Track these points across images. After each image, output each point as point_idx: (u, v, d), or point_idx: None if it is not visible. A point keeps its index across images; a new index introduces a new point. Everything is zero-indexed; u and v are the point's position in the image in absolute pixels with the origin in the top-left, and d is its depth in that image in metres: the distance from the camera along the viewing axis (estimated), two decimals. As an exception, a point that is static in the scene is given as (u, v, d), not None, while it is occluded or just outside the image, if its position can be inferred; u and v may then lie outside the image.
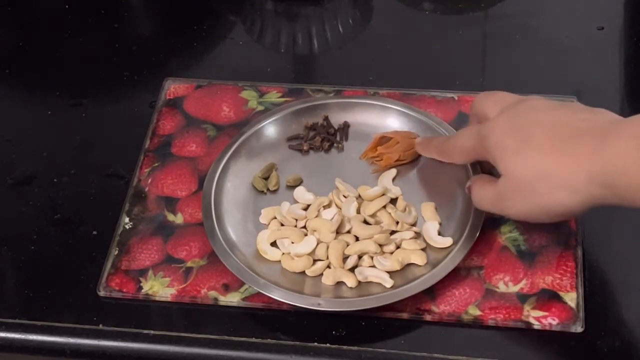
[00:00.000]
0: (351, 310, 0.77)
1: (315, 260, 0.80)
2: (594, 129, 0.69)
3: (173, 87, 0.95)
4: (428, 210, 0.83)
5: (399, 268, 0.79)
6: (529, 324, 0.76)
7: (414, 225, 0.82)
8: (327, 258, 0.80)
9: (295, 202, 0.84)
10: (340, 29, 1.03)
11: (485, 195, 0.77)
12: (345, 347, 0.76)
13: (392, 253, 0.80)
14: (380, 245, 0.80)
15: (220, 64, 1.00)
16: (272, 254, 0.81)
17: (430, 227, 0.81)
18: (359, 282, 0.78)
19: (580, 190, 0.69)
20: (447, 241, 0.80)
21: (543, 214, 0.74)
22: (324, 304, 0.76)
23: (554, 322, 0.76)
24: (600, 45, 0.97)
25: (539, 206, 0.73)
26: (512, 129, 0.73)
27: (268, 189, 0.85)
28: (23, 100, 0.99)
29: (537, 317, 0.76)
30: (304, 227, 0.82)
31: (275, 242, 0.81)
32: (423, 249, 0.80)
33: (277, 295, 0.77)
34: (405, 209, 0.83)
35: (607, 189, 0.68)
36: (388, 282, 0.78)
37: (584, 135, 0.69)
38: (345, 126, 0.89)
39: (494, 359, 0.75)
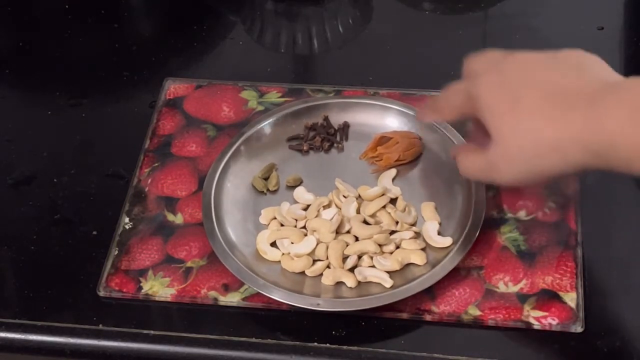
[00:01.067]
0: (351, 310, 0.77)
1: (315, 261, 0.80)
2: (585, 93, 0.68)
3: (173, 87, 0.95)
4: (428, 210, 0.83)
5: (398, 268, 0.79)
6: (529, 324, 0.76)
7: (413, 225, 0.82)
8: (327, 258, 0.80)
9: (295, 202, 0.84)
10: (340, 29, 1.03)
11: (474, 163, 0.76)
12: (345, 347, 0.76)
13: (391, 253, 0.80)
14: (380, 245, 0.80)
15: (220, 64, 1.00)
16: (272, 254, 0.81)
17: (430, 227, 0.81)
18: (359, 282, 0.78)
19: (571, 155, 0.69)
20: (446, 241, 0.80)
21: (534, 179, 0.73)
22: (323, 304, 0.76)
23: (554, 322, 0.76)
24: (600, 45, 0.97)
25: (530, 171, 0.71)
26: (501, 89, 0.71)
27: (268, 189, 0.85)
28: (23, 100, 0.99)
29: (537, 317, 0.76)
30: (304, 227, 0.82)
31: (275, 242, 0.81)
32: (423, 249, 0.80)
33: (277, 295, 0.77)
34: (405, 209, 0.83)
35: (597, 157, 0.67)
36: (388, 282, 0.78)
37: (575, 99, 0.68)
38: (345, 126, 0.89)
39: (494, 359, 0.75)
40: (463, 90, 0.75)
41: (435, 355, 0.75)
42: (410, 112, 0.88)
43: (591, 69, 0.71)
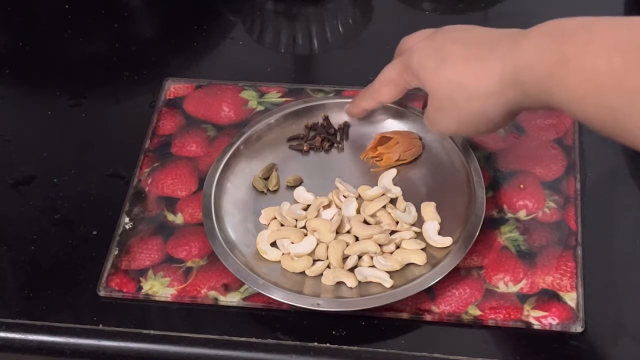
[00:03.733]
0: (351, 310, 0.77)
1: (315, 261, 0.80)
2: (508, 37, 0.72)
3: (173, 87, 0.95)
4: (428, 210, 0.83)
5: (398, 268, 0.79)
6: (529, 324, 0.76)
7: (413, 225, 0.82)
8: (327, 258, 0.80)
9: (295, 202, 0.84)
10: (340, 29, 1.03)
11: (424, 117, 0.80)
12: (345, 347, 0.76)
13: (391, 253, 0.80)
14: (380, 245, 0.80)
15: (220, 64, 1.00)
16: (272, 254, 0.81)
17: (430, 227, 0.81)
18: (359, 282, 0.78)
19: (494, 94, 0.72)
20: (446, 241, 0.80)
21: (466, 126, 0.77)
22: (323, 304, 0.76)
23: (554, 322, 0.76)
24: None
25: (460, 118, 0.76)
26: (431, 50, 0.76)
27: (268, 189, 0.85)
28: (23, 100, 0.99)
29: (537, 317, 0.76)
30: (304, 227, 0.82)
31: (275, 242, 0.81)
32: (423, 249, 0.80)
33: (277, 295, 0.77)
34: (405, 209, 0.83)
35: (517, 86, 0.70)
36: (388, 282, 0.78)
37: (497, 43, 0.72)
38: (345, 126, 0.89)
39: (494, 359, 0.75)
40: (398, 63, 0.80)
41: (435, 355, 0.75)
42: (411, 112, 0.88)
43: (515, 29, 0.74)
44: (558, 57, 0.67)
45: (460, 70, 0.74)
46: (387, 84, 0.82)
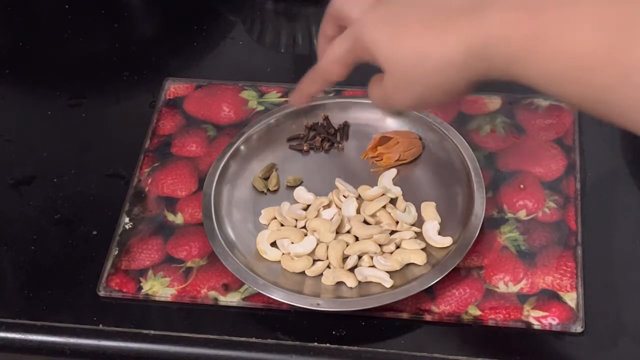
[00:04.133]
0: (351, 310, 0.77)
1: (315, 261, 0.80)
2: (468, 6, 0.67)
3: (173, 87, 0.95)
4: (428, 210, 0.83)
5: (398, 268, 0.79)
6: (529, 324, 0.76)
7: (413, 225, 0.82)
8: (327, 258, 0.80)
9: (295, 202, 0.84)
10: (340, 29, 1.03)
11: (375, 94, 0.75)
12: (345, 347, 0.76)
13: (391, 253, 0.80)
14: (380, 245, 0.80)
15: (220, 64, 1.00)
16: (272, 254, 0.81)
17: (430, 227, 0.81)
18: (359, 282, 0.78)
19: (460, 65, 0.67)
20: (446, 241, 0.80)
21: (429, 98, 0.72)
22: (323, 304, 0.76)
23: (554, 322, 0.76)
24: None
25: (424, 91, 0.71)
26: (385, 19, 0.71)
27: (268, 189, 0.85)
28: (23, 100, 0.99)
29: (537, 317, 0.76)
30: (304, 227, 0.82)
31: (275, 242, 0.81)
32: (423, 249, 0.80)
33: (277, 295, 0.77)
34: (405, 209, 0.83)
35: (485, 61, 0.66)
36: (388, 282, 0.78)
37: (459, 12, 0.67)
38: (345, 126, 0.89)
39: (494, 359, 0.75)
40: (345, 38, 0.74)
41: (435, 355, 0.75)
42: (410, 112, 0.88)
43: None
44: (533, 31, 0.63)
45: (422, 41, 0.68)
46: (336, 62, 0.75)
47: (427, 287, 0.77)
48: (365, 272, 0.79)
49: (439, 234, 0.81)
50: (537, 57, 0.63)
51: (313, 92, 0.81)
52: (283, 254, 0.81)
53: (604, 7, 0.61)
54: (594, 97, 0.62)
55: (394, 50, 0.70)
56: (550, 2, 0.64)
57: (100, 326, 0.78)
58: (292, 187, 0.85)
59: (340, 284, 0.79)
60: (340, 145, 0.88)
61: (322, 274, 0.79)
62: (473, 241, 0.79)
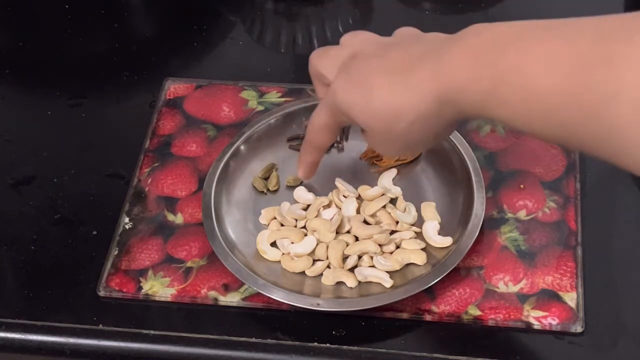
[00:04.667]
0: (351, 310, 0.77)
1: (315, 261, 0.80)
2: (429, 53, 0.68)
3: (173, 87, 0.95)
4: (428, 209, 0.83)
5: (398, 268, 0.79)
6: (529, 324, 0.76)
7: (413, 225, 0.82)
8: (327, 258, 0.80)
9: (295, 202, 0.84)
10: (340, 29, 1.03)
11: (366, 141, 0.77)
12: (345, 347, 0.76)
13: (391, 253, 0.80)
14: (380, 245, 0.80)
15: (220, 64, 1.00)
16: (272, 254, 0.81)
17: (430, 227, 0.81)
18: (359, 282, 0.78)
19: (433, 114, 0.68)
20: (446, 241, 0.80)
21: (413, 148, 0.75)
22: (323, 304, 0.76)
23: (554, 322, 0.76)
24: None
25: (405, 143, 0.72)
26: (352, 85, 0.72)
27: (268, 189, 0.85)
28: (23, 100, 0.99)
29: (537, 317, 0.76)
30: (304, 227, 0.82)
31: (275, 242, 0.81)
32: (423, 249, 0.80)
33: (277, 295, 0.77)
34: (405, 209, 0.83)
35: (454, 106, 0.67)
36: (388, 282, 0.78)
37: (420, 61, 0.68)
38: (346, 126, 0.89)
39: (494, 359, 0.75)
40: (324, 106, 0.76)
41: (435, 355, 0.75)
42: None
43: (431, 35, 0.72)
44: (495, 74, 0.63)
45: (389, 101, 0.69)
46: (322, 130, 0.78)
47: (427, 287, 0.77)
48: (365, 272, 0.79)
49: (439, 234, 0.81)
50: (502, 99, 0.63)
51: (312, 161, 0.82)
52: (283, 254, 0.81)
53: (563, 47, 0.61)
54: (563, 134, 0.62)
55: (368, 112, 0.71)
56: (508, 43, 0.64)
57: (100, 326, 0.78)
58: (292, 187, 0.85)
59: (340, 284, 0.79)
60: (340, 145, 0.88)
61: (322, 274, 0.79)
62: (473, 241, 0.79)
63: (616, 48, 0.58)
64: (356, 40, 0.76)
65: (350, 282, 0.78)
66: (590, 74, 0.58)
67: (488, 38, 0.65)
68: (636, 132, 0.56)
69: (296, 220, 0.82)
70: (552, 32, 0.63)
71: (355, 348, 0.76)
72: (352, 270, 0.79)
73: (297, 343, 0.76)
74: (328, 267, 0.80)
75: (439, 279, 0.77)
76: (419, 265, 0.79)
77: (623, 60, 0.57)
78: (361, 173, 0.86)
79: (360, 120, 0.72)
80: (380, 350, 0.76)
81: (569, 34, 0.62)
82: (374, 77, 0.70)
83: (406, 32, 0.75)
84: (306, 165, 0.82)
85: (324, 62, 0.76)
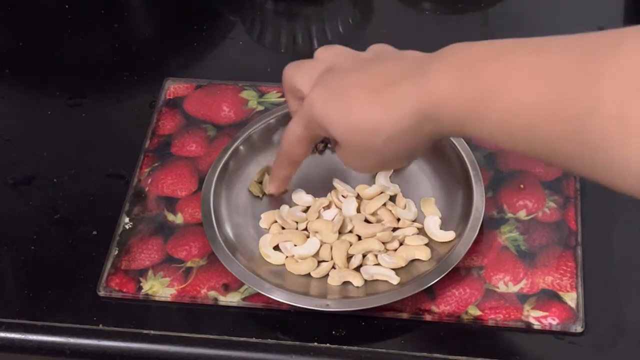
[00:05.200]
0: (360, 309, 0.76)
1: (319, 262, 0.80)
2: (409, 69, 0.69)
3: (173, 87, 0.95)
4: (427, 205, 0.83)
5: (404, 264, 0.79)
6: (529, 324, 0.76)
7: (414, 221, 0.82)
8: (332, 259, 0.80)
9: (294, 204, 0.84)
10: (340, 29, 1.03)
11: (340, 157, 0.76)
12: (345, 347, 0.76)
13: (395, 250, 0.80)
14: (384, 243, 0.80)
15: (220, 64, 1.00)
16: (275, 257, 0.80)
17: (432, 222, 0.81)
18: (365, 281, 0.78)
19: (411, 131, 0.68)
20: (449, 235, 0.80)
21: (389, 164, 0.76)
22: (332, 305, 0.76)
23: (554, 322, 0.76)
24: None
25: (380, 159, 0.73)
26: (329, 98, 0.71)
27: (264, 193, 0.85)
28: (23, 100, 0.99)
29: (537, 317, 0.76)
30: (305, 229, 0.82)
31: (277, 245, 0.81)
32: (426, 244, 0.80)
33: (285, 298, 0.76)
34: (405, 206, 0.83)
35: (434, 121, 0.67)
36: (394, 279, 0.78)
37: (400, 77, 0.68)
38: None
39: (494, 359, 0.75)
40: (299, 118, 0.75)
41: (435, 355, 0.75)
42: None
43: (409, 54, 0.72)
44: (476, 91, 0.63)
45: (370, 113, 0.69)
46: (297, 143, 0.76)
47: (436, 281, 0.76)
48: (370, 271, 0.79)
49: (440, 229, 0.81)
50: (484, 115, 0.64)
51: (285, 175, 0.81)
52: (287, 257, 0.80)
53: (545, 63, 0.61)
54: (546, 151, 0.62)
55: (345, 126, 0.71)
56: (489, 61, 0.64)
57: (100, 326, 0.78)
58: (259, 183, 0.85)
59: (346, 283, 0.79)
60: (328, 146, 0.88)
61: (327, 275, 0.79)
62: (477, 233, 0.78)
63: (597, 64, 0.58)
64: (331, 54, 0.76)
65: (357, 281, 0.78)
66: (571, 90, 0.59)
67: (469, 55, 0.65)
68: (618, 146, 0.57)
69: (297, 222, 0.82)
70: (533, 49, 0.63)
71: (355, 348, 0.76)
72: (357, 269, 0.79)
73: (297, 343, 0.76)
74: (333, 267, 0.80)
75: (448, 270, 0.77)
76: (424, 261, 0.79)
77: (603, 76, 0.57)
78: (357, 172, 0.86)
79: (337, 134, 0.72)
80: (380, 350, 0.76)
81: (550, 51, 0.62)
82: (352, 91, 0.70)
83: (381, 49, 0.75)
84: (279, 179, 0.82)
85: (298, 75, 0.76)
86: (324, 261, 0.80)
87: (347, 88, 0.71)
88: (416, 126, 0.68)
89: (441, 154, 0.85)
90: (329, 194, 0.84)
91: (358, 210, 0.82)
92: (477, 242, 0.79)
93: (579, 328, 0.76)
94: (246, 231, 0.82)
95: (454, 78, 0.65)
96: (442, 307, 0.77)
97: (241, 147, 0.87)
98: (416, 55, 0.71)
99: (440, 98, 0.66)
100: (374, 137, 0.70)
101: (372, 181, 0.85)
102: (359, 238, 0.81)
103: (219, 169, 0.85)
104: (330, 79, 0.72)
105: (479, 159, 0.84)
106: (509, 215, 0.83)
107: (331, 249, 0.80)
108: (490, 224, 0.82)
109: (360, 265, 0.79)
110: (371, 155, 0.72)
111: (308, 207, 0.83)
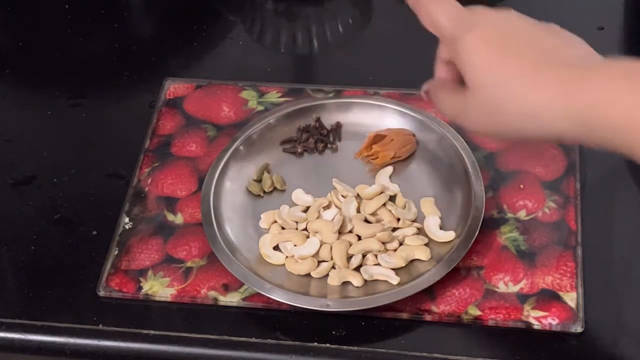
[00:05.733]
0: (360, 309, 0.76)
1: (319, 262, 0.80)
2: (577, 61, 0.66)
3: (173, 87, 0.95)
4: (427, 205, 0.83)
5: (403, 264, 0.79)
6: (529, 324, 0.76)
7: (414, 221, 0.82)
8: (332, 259, 0.80)
9: (294, 204, 0.84)
10: (340, 29, 1.03)
11: (449, 105, 0.72)
12: (345, 347, 0.76)
13: (395, 250, 0.80)
14: (384, 243, 0.80)
15: (220, 64, 1.00)
16: (275, 257, 0.80)
17: (431, 222, 0.81)
18: (365, 281, 0.78)
19: (552, 122, 0.65)
20: (449, 235, 0.80)
21: (506, 134, 0.70)
22: (332, 305, 0.76)
23: (554, 322, 0.76)
24: (600, 45, 0.97)
25: (505, 130, 0.69)
26: (494, 43, 0.67)
27: (264, 191, 0.85)
28: (23, 100, 0.99)
29: (537, 317, 0.76)
30: (305, 229, 0.82)
31: (277, 245, 0.81)
32: (426, 244, 0.80)
33: (286, 298, 0.77)
34: (405, 206, 0.83)
35: (583, 126, 0.64)
36: (394, 279, 0.78)
37: (568, 66, 0.66)
38: (338, 126, 0.89)
39: (493, 359, 0.75)
40: (448, 36, 0.71)
41: (435, 355, 0.75)
42: (406, 111, 0.88)
43: (580, 43, 0.69)
44: (637, 102, 0.61)
45: (520, 84, 0.65)
46: (433, 29, 0.72)
47: (436, 280, 0.77)
48: (370, 271, 0.79)
49: (440, 229, 0.81)
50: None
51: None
52: (287, 257, 0.80)
53: None
54: None
55: (488, 77, 0.67)
56: None
57: (100, 326, 0.78)
58: (258, 181, 0.85)
59: (346, 283, 0.79)
60: (334, 145, 0.88)
61: (327, 275, 0.79)
62: (477, 233, 0.79)
63: None
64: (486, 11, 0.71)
65: (357, 281, 0.78)
66: None
67: None
68: None
69: (297, 222, 0.82)
70: None
71: (355, 348, 0.76)
72: (357, 269, 0.79)
73: (297, 343, 0.76)
74: (333, 267, 0.80)
75: (446, 272, 0.77)
76: (424, 261, 0.79)
77: None
78: (357, 172, 0.86)
79: (473, 74, 0.67)
80: (380, 350, 0.76)
81: None
82: (522, 54, 0.66)
83: (557, 29, 0.71)
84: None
85: (465, 11, 0.70)
86: (324, 261, 0.80)
87: (510, 45, 0.67)
88: (557, 121, 0.65)
89: (441, 154, 0.85)
90: (328, 194, 0.84)
91: (358, 210, 0.82)
92: (477, 242, 0.79)
93: (579, 328, 0.76)
94: (246, 231, 0.82)
95: (615, 86, 0.62)
96: (442, 307, 0.77)
97: (241, 147, 0.87)
98: (586, 51, 0.68)
99: (596, 102, 0.63)
100: (513, 103, 0.66)
101: (372, 181, 0.85)
102: (359, 238, 0.81)
103: (219, 169, 0.85)
104: (501, 22, 0.69)
105: (479, 159, 0.85)
106: (509, 215, 0.83)
107: (331, 249, 0.80)
108: (490, 224, 0.82)
109: (360, 265, 0.79)
110: (498, 121, 0.67)
111: (308, 207, 0.83)
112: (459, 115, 0.71)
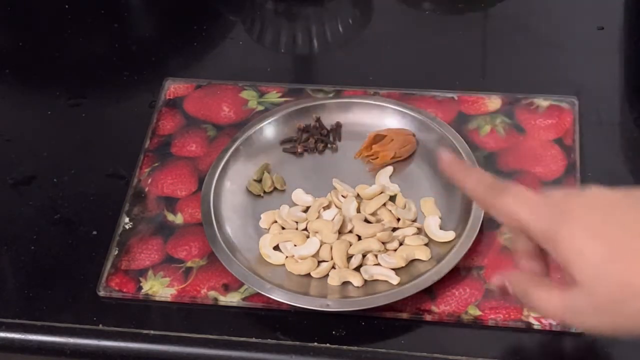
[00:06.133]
0: (360, 309, 0.76)
1: (319, 262, 0.80)
2: None
3: (173, 87, 0.95)
4: (427, 205, 0.83)
5: (403, 264, 0.79)
6: (529, 324, 0.76)
7: (414, 221, 0.82)
8: (332, 259, 0.79)
9: (294, 204, 0.84)
10: (340, 29, 1.03)
11: (553, 305, 0.64)
12: (345, 347, 0.76)
13: (395, 250, 0.80)
14: (384, 243, 0.80)
15: (220, 64, 1.00)
16: (275, 257, 0.80)
17: (432, 222, 0.81)
18: (365, 281, 0.78)
19: None
20: (449, 235, 0.80)
21: (627, 332, 0.62)
22: (332, 305, 0.76)
23: (554, 322, 0.76)
24: (600, 45, 0.97)
25: (623, 325, 0.61)
26: (600, 235, 0.61)
27: (264, 191, 0.85)
28: (23, 100, 0.99)
29: (537, 317, 0.76)
30: (305, 229, 0.82)
31: (277, 245, 0.81)
32: (426, 244, 0.80)
33: (286, 298, 0.77)
34: (405, 206, 0.83)
35: None
36: (394, 279, 0.78)
37: None
38: (338, 126, 0.89)
39: (493, 359, 0.75)
40: (536, 211, 0.63)
41: (436, 355, 0.75)
42: (406, 111, 0.88)
43: None
44: None
45: (634, 269, 0.59)
46: (507, 220, 0.65)
47: (436, 280, 0.77)
48: (371, 271, 0.79)
49: (441, 228, 0.81)
50: None
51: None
52: (287, 257, 0.80)
53: None
54: None
55: (601, 275, 0.60)
56: None
57: (100, 326, 0.78)
58: (257, 181, 0.85)
59: (346, 284, 0.79)
60: (334, 145, 0.88)
61: (327, 275, 0.79)
62: (477, 233, 0.79)
63: None
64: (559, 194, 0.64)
65: (357, 281, 0.78)
66: None
67: None
68: None
69: (297, 222, 0.82)
70: None
71: (355, 348, 0.76)
72: (357, 269, 0.79)
73: (297, 343, 0.76)
74: (333, 267, 0.80)
75: (445, 272, 0.77)
76: (424, 261, 0.79)
77: None
78: (357, 172, 0.86)
79: (582, 275, 0.61)
80: (380, 350, 0.76)
81: None
82: (628, 239, 0.60)
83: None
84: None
85: (520, 208, 0.64)
86: (324, 261, 0.80)
87: (622, 233, 0.60)
88: None
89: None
90: (328, 194, 0.84)
91: (358, 210, 0.82)
92: (477, 242, 0.79)
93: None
94: (246, 231, 0.82)
95: None
96: (442, 307, 0.77)
97: (241, 147, 0.87)
98: None
99: None
100: (633, 302, 0.59)
101: (372, 181, 0.85)
102: (359, 238, 0.81)
103: (219, 169, 0.85)
104: (606, 214, 0.61)
105: (479, 159, 0.85)
106: (509, 215, 0.83)
107: (331, 249, 0.80)
108: (490, 224, 0.82)
109: (360, 265, 0.79)
110: (617, 318, 0.61)
111: (308, 207, 0.83)
112: (567, 315, 0.64)
